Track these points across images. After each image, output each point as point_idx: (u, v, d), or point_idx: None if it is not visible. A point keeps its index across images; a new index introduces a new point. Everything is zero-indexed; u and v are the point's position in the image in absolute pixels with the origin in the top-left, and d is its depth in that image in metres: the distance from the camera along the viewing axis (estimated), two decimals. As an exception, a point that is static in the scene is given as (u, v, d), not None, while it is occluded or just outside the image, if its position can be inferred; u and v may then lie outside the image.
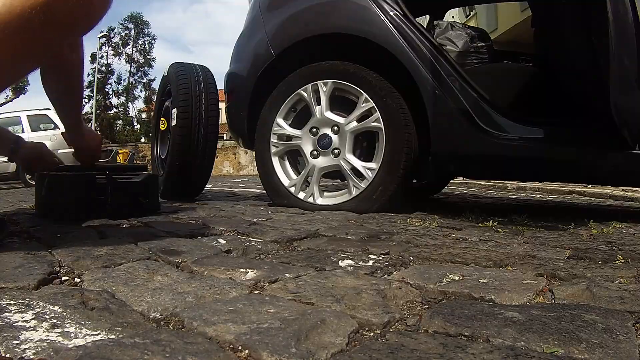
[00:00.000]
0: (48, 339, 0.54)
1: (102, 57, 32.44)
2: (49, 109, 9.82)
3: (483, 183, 6.25)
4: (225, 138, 14.52)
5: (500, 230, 1.57)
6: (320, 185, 2.07)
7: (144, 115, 33.15)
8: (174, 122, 2.30)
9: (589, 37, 1.76)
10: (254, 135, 2.22)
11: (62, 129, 1.64)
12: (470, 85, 1.85)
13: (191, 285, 0.78)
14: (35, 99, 36.66)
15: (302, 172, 2.08)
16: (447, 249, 1.19)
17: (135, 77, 33.60)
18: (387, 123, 1.92)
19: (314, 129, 2.05)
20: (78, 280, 0.81)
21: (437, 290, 0.81)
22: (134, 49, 33.53)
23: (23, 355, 0.50)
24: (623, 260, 1.09)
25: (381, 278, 0.89)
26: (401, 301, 0.75)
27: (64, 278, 0.82)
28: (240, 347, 0.54)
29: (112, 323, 0.60)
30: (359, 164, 1.97)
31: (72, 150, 1.67)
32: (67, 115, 1.53)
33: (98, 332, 0.57)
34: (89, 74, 31.28)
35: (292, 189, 2.08)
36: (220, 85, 2.53)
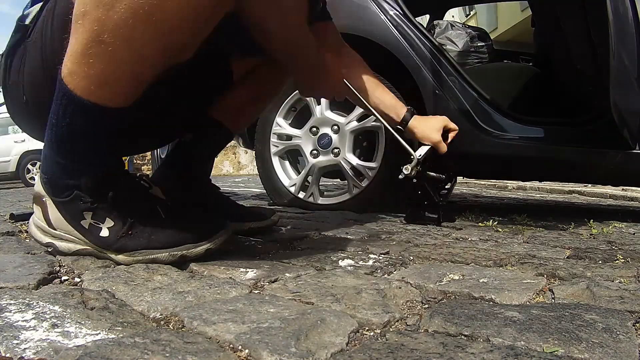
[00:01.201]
0: (48, 339, 0.54)
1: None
2: None
3: (483, 183, 6.25)
4: (225, 138, 14.47)
5: (500, 230, 1.57)
6: (320, 184, 2.07)
7: (144, 115, 33.13)
8: (174, 122, 2.30)
9: (589, 37, 1.76)
10: (254, 135, 2.22)
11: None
12: (470, 85, 1.85)
13: (191, 285, 0.77)
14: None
15: (302, 171, 2.08)
16: (447, 248, 1.19)
17: (135, 77, 33.62)
18: (387, 123, 1.91)
19: (314, 129, 2.05)
20: (78, 280, 0.81)
21: (437, 290, 0.81)
22: (134, 48, 33.54)
23: (23, 355, 0.50)
24: (623, 260, 1.10)
25: (381, 277, 0.89)
26: (401, 301, 0.75)
27: (64, 278, 0.82)
28: (240, 347, 0.54)
29: (112, 323, 0.60)
30: (359, 163, 1.97)
31: None
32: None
33: (98, 331, 0.57)
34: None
35: (292, 189, 2.08)
36: (220, 85, 2.53)
